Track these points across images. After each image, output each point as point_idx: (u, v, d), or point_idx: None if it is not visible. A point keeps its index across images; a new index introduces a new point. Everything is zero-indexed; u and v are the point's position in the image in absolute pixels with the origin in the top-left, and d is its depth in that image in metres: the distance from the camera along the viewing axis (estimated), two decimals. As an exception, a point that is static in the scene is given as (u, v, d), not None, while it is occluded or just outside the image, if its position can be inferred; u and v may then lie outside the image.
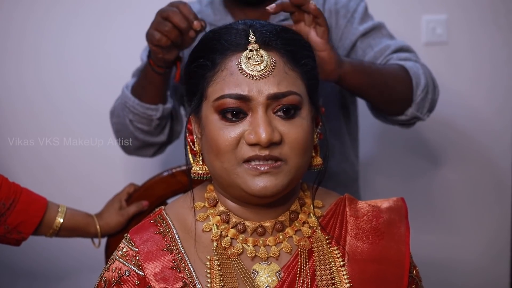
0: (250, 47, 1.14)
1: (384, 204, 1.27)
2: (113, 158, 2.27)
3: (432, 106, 1.70)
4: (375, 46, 1.75)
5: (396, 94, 1.64)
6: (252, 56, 1.13)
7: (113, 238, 1.69)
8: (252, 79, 1.12)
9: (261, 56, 1.13)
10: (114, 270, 1.19)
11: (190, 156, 1.25)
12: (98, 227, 1.66)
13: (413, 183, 2.46)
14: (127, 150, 1.84)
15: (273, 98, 1.12)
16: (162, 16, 1.50)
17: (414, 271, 1.28)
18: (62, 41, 2.26)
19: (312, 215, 1.25)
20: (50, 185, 2.18)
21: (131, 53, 2.27)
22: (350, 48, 1.76)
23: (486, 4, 2.39)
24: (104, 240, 1.71)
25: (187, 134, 1.24)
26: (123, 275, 1.18)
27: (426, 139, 2.46)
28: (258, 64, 1.13)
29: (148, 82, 1.67)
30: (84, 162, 2.30)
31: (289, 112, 1.14)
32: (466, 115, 2.43)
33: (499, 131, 2.45)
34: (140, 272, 1.18)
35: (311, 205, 1.26)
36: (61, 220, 1.60)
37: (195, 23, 1.49)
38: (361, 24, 1.77)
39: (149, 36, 1.54)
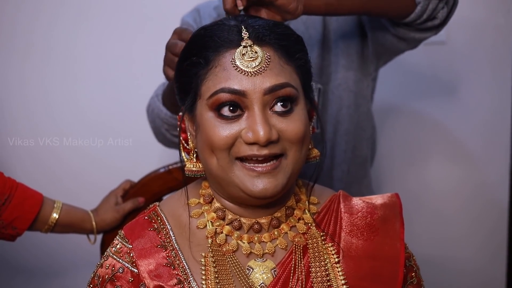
0: (243, 43, 1.13)
1: (379, 200, 1.27)
2: (110, 155, 2.28)
3: None
4: None
5: None
6: (246, 52, 1.12)
7: (109, 235, 1.69)
8: (247, 75, 1.11)
9: (255, 52, 1.12)
10: (108, 266, 1.19)
11: (183, 154, 1.24)
12: (93, 223, 1.66)
13: (409, 181, 2.46)
14: (166, 145, 1.86)
15: (270, 92, 1.11)
16: (172, 52, 1.39)
17: (412, 260, 1.28)
18: (64, 42, 2.26)
19: (307, 211, 1.25)
20: (48, 185, 2.17)
21: (132, 55, 2.29)
22: None
23: (485, 4, 2.38)
24: (99, 237, 1.71)
25: (180, 132, 1.24)
26: (116, 272, 1.18)
27: (422, 138, 2.46)
28: (253, 60, 1.12)
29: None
30: (82, 160, 2.30)
31: (286, 105, 1.13)
32: (464, 115, 2.43)
33: (496, 131, 2.44)
34: (134, 269, 1.17)
35: (306, 202, 1.26)
36: (57, 216, 1.60)
37: None
38: None
39: (166, 75, 1.45)
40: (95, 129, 2.27)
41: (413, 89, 2.43)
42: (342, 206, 1.25)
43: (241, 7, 1.28)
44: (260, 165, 1.12)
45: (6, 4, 2.22)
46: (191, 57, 1.16)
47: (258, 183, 1.12)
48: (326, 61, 1.79)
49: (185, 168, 1.22)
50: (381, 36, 1.71)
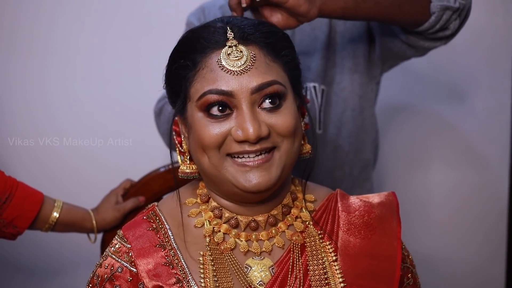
0: (228, 43, 1.14)
1: (376, 199, 1.28)
2: (110, 155, 2.28)
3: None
4: None
5: None
6: (232, 52, 1.14)
7: (109, 234, 1.69)
8: (233, 74, 1.12)
9: (241, 51, 1.14)
10: (107, 266, 1.20)
11: (178, 156, 1.25)
12: (94, 222, 1.67)
13: (411, 183, 2.46)
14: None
15: (257, 91, 1.12)
16: None
17: (408, 260, 1.29)
18: (64, 42, 2.26)
19: (304, 209, 1.26)
20: (48, 184, 2.17)
21: (132, 55, 2.28)
22: None
23: (484, 5, 2.38)
24: (100, 236, 1.71)
25: (174, 136, 1.25)
26: (115, 272, 1.18)
27: (423, 138, 2.46)
28: (238, 59, 1.13)
29: None
30: (82, 160, 2.30)
31: (275, 102, 1.14)
32: (464, 115, 2.43)
33: (496, 131, 2.44)
34: (133, 269, 1.18)
35: (303, 200, 1.26)
36: (57, 215, 1.60)
37: None
38: None
39: None
40: (95, 129, 2.27)
41: (412, 90, 2.43)
42: (339, 205, 1.26)
43: (244, 5, 1.30)
44: (251, 159, 1.13)
45: (6, 4, 2.23)
46: (179, 60, 1.17)
47: (251, 177, 1.13)
48: (330, 63, 1.79)
49: (179, 170, 1.23)
50: (389, 41, 1.71)
